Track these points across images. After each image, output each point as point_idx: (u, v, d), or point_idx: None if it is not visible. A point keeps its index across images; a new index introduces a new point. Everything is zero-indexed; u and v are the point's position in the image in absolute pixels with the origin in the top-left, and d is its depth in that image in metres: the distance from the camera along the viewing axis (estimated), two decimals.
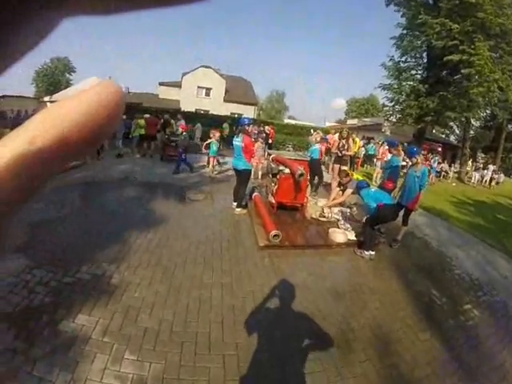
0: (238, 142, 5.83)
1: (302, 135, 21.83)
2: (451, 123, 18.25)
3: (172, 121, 12.22)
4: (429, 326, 3.29)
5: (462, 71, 14.85)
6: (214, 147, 9.11)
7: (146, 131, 10.79)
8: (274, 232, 4.55)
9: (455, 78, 16.98)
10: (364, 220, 5.01)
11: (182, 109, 19.62)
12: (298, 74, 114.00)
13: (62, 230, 4.28)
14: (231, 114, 25.81)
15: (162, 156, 10.69)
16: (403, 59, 18.27)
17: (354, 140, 14.00)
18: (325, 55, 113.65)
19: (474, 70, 14.34)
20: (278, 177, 6.22)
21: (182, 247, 4.11)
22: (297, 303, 3.31)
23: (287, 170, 5.97)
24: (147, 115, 11.60)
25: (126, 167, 8.24)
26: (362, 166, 16.06)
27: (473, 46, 14.47)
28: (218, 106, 27.03)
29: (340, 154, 7.98)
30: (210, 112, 24.39)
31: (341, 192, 6.85)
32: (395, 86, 18.21)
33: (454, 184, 17.04)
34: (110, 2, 0.15)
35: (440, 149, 25.51)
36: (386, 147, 13.30)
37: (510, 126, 29.25)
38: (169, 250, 3.98)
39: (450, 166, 20.15)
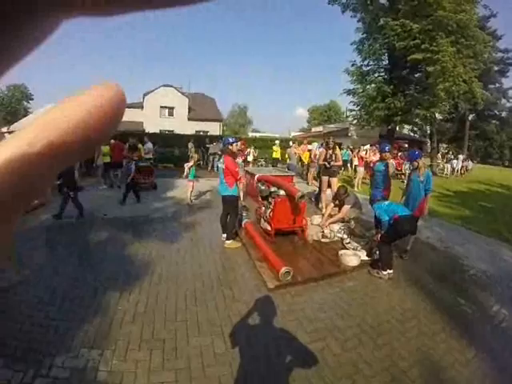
0: (220, 163, 5.27)
1: (271, 148, 21.35)
2: (417, 119, 18.65)
3: (139, 145, 11.26)
4: (470, 340, 3.07)
5: (428, 68, 15.13)
6: (193, 171, 8.28)
7: (112, 158, 9.76)
8: (284, 269, 3.85)
9: (416, 75, 17.53)
10: (379, 238, 4.50)
11: (146, 130, 18.56)
12: (258, 86, 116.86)
13: (23, 303, 3.27)
14: (196, 132, 25.15)
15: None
16: (365, 63, 18.59)
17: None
18: (281, 66, 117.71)
19: (440, 66, 14.65)
20: (270, 200, 5.60)
21: (177, 307, 3.26)
22: (335, 352, 2.77)
23: (282, 192, 5.35)
24: (111, 140, 10.56)
25: (93, 202, 7.22)
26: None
27: (434, 44, 14.80)
28: (182, 125, 26.19)
29: (328, 166, 7.53)
30: (175, 132, 23.51)
31: (336, 208, 6.41)
32: (360, 90, 18.43)
33: None
34: (112, 3, 0.15)
35: (406, 145, 26.35)
36: (366, 149, 13.19)
37: (471, 116, 31.23)
38: (161, 313, 3.12)
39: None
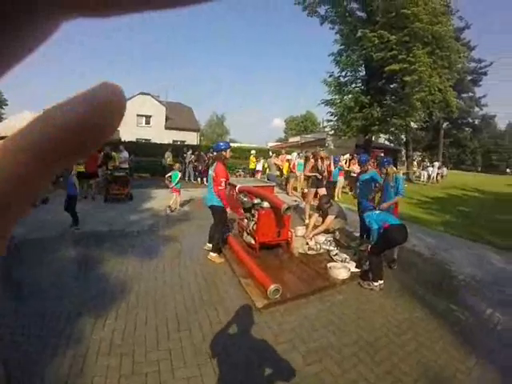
0: (211, 170, 4.93)
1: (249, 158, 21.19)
2: (393, 129, 19.19)
3: (114, 153, 10.80)
4: (470, 348, 3.05)
5: (405, 79, 15.53)
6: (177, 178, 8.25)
7: (85, 168, 9.16)
8: (273, 287, 3.64)
9: (392, 86, 18.09)
10: (369, 248, 4.41)
11: (122, 139, 17.93)
12: (236, 97, 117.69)
13: None
14: (174, 141, 24.74)
15: (105, 196, 9.20)
16: (343, 74, 18.95)
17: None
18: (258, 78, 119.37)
19: (417, 76, 15.09)
20: (253, 212, 5.40)
21: (158, 333, 2.94)
22: (334, 373, 2.60)
23: (266, 204, 5.16)
24: None
25: (65, 214, 6.70)
26: None
27: (411, 55, 15.22)
28: (159, 133, 25.76)
29: (319, 177, 7.40)
30: (152, 141, 22.96)
31: (320, 218, 6.32)
32: (338, 101, 18.72)
33: (405, 185, 17.83)
34: (111, 4, 0.14)
35: (382, 154, 27.09)
36: (346, 159, 13.17)
37: (445, 125, 32.74)
38: (141, 342, 2.78)
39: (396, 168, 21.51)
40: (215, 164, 4.86)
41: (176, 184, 8.16)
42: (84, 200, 9.11)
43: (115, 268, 4.41)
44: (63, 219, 6.39)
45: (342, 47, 18.39)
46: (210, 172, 4.92)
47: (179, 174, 8.31)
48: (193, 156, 14.99)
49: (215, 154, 5.04)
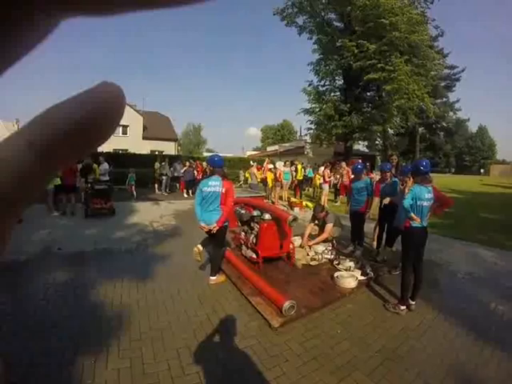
0: (214, 186, 4.16)
1: (229, 167, 20.88)
2: (373, 135, 19.55)
3: (94, 165, 10.21)
4: (484, 341, 3.16)
5: (385, 87, 15.86)
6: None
7: (63, 181, 8.49)
8: (288, 303, 3.40)
9: (369, 94, 18.50)
10: (402, 261, 4.00)
11: (99, 149, 17.15)
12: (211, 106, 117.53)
13: None
14: (151, 151, 24.20)
15: (86, 210, 8.62)
16: (322, 83, 19.25)
17: (296, 167, 13.75)
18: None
19: (396, 84, 15.45)
20: (253, 225, 5.15)
21: (172, 373, 2.55)
22: None
23: (267, 216, 4.92)
24: None
25: (44, 233, 6.12)
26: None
27: (390, 63, 15.62)
28: (137, 144, 25.06)
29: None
30: (130, 151, 22.27)
31: (315, 227, 6.20)
32: (317, 109, 18.93)
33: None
34: (111, 2, 0.14)
35: (360, 161, 27.66)
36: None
37: (420, 129, 34.06)
38: (154, 382, 2.43)
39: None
40: (220, 179, 4.22)
41: (131, 182, 12.89)
42: (63, 216, 8.52)
43: (107, 295, 3.93)
44: (44, 238, 5.85)
45: (321, 57, 18.68)
46: (217, 188, 4.16)
47: (134, 176, 13.06)
48: (168, 167, 14.52)
49: (216, 169, 4.31)
